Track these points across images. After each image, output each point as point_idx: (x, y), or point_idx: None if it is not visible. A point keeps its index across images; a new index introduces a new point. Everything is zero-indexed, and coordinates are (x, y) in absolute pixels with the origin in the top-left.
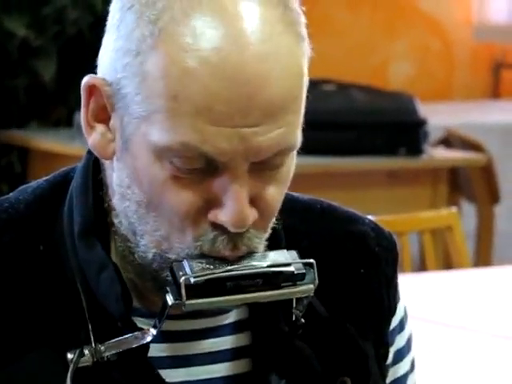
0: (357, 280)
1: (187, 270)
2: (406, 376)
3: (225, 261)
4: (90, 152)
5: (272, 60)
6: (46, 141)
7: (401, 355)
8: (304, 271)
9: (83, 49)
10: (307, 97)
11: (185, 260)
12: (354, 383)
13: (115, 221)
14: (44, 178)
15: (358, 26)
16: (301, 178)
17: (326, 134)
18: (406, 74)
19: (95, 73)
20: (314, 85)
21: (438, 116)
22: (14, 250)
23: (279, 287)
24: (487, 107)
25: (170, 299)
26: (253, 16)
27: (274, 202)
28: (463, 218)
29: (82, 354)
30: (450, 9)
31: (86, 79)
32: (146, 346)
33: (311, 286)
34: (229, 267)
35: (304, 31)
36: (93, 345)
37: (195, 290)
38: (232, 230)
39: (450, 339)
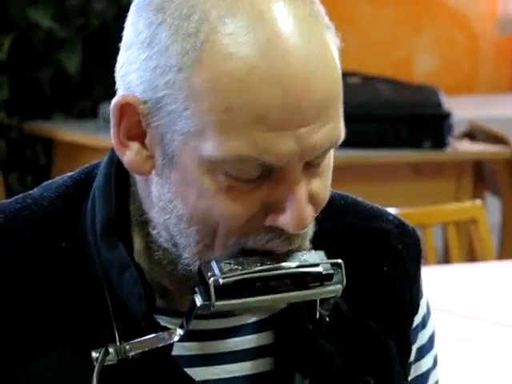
0: (380, 278)
1: (216, 270)
2: (428, 372)
3: (255, 261)
4: (113, 149)
5: (315, 57)
6: (71, 132)
7: (423, 352)
8: (332, 272)
9: (108, 41)
10: None
11: (213, 260)
12: (377, 382)
13: (153, 232)
14: (68, 175)
15: (381, 19)
16: None
17: (350, 126)
18: (431, 66)
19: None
20: None
21: (462, 109)
22: (36, 246)
23: (307, 287)
24: (511, 100)
25: (198, 300)
26: (289, 17)
27: (322, 196)
28: (488, 211)
29: (107, 353)
30: (474, 2)
31: (118, 99)
32: (170, 345)
33: (339, 286)
34: (258, 268)
35: (328, 21)
36: (118, 343)
37: (224, 291)
38: (293, 231)
39: (473, 331)
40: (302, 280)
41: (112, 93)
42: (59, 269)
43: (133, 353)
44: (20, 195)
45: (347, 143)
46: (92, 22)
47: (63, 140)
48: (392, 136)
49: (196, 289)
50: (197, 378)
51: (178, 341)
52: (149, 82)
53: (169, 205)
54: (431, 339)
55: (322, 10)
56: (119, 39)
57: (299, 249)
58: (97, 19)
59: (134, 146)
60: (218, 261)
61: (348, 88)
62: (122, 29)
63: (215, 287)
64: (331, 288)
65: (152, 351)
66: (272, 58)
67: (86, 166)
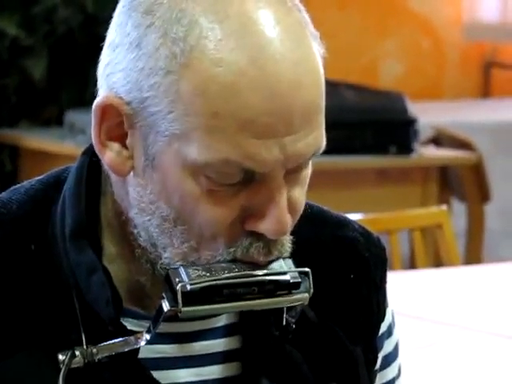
0: (346, 285)
1: (184, 276)
2: (393, 381)
3: (223, 268)
4: (84, 153)
5: (303, 65)
6: (37, 140)
7: (389, 360)
8: (299, 280)
9: (74, 48)
10: None
11: (181, 267)
12: None
13: (134, 231)
14: (37, 178)
15: (348, 25)
16: None
17: None
18: (397, 72)
19: (86, 77)
20: None
21: (428, 114)
22: (5, 249)
23: (275, 295)
24: (477, 106)
25: (165, 305)
26: (277, 24)
27: (301, 204)
28: (453, 216)
29: (73, 356)
30: (440, 7)
31: (101, 100)
32: (137, 348)
33: (306, 294)
34: (225, 275)
35: (313, 29)
36: (84, 347)
37: (191, 297)
38: (273, 237)
39: (440, 336)
40: (269, 288)
41: (77, 100)
42: (28, 271)
43: (99, 356)
44: None
45: None
46: (58, 29)
47: (29, 147)
48: (358, 142)
49: (163, 294)
50: (164, 381)
51: (145, 344)
52: (135, 83)
53: (150, 206)
54: (396, 348)
55: (307, 18)
56: (85, 46)
57: (278, 259)
58: (62, 26)
59: (115, 146)
60: (186, 267)
61: None
62: (87, 36)
63: (183, 293)
64: (298, 296)
65: (119, 354)
66: (261, 64)
67: (56, 169)
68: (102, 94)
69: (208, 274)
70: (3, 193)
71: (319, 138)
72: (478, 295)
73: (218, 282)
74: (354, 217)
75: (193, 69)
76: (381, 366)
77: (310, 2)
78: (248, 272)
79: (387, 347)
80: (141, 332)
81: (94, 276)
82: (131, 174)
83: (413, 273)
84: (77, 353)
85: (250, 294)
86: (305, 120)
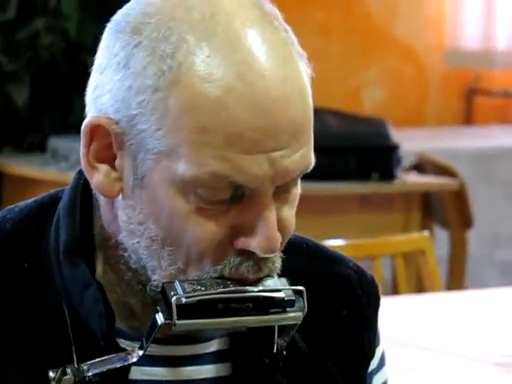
0: (338, 321)
1: (179, 290)
2: None
3: (218, 283)
4: (79, 173)
5: (290, 82)
6: (20, 166)
7: None
8: (294, 298)
9: (56, 74)
10: None
11: (176, 281)
12: None
13: (124, 254)
14: (32, 199)
15: (331, 51)
16: None
17: None
18: (379, 99)
19: (69, 103)
20: None
21: (410, 141)
22: (2, 265)
23: (268, 313)
24: (460, 133)
25: (159, 319)
26: (264, 42)
27: (291, 223)
28: (436, 242)
29: (64, 373)
30: (422, 34)
31: (89, 120)
32: (128, 368)
33: (300, 313)
34: (220, 289)
35: (301, 49)
36: (75, 364)
37: (186, 311)
38: (263, 255)
39: (422, 361)
40: (263, 305)
41: (60, 126)
42: (21, 289)
43: (90, 374)
44: None
45: None
46: (40, 56)
47: (12, 173)
48: (340, 168)
49: (158, 308)
50: None
51: (136, 364)
52: (123, 101)
53: (139, 227)
54: None
55: (294, 38)
56: (68, 72)
57: (271, 277)
58: (45, 52)
59: (103, 168)
60: (181, 281)
61: None
62: (70, 62)
63: (177, 306)
64: (292, 315)
65: (110, 373)
66: (249, 80)
67: (52, 190)
68: (91, 115)
69: (203, 289)
70: None
71: (307, 155)
72: (460, 321)
73: (213, 296)
74: (336, 242)
75: (181, 85)
76: None
77: (293, 27)
78: (243, 288)
79: (375, 383)
80: (133, 349)
81: (88, 291)
82: (120, 196)
83: (395, 298)
84: (68, 370)
85: (244, 310)
86: (292, 136)
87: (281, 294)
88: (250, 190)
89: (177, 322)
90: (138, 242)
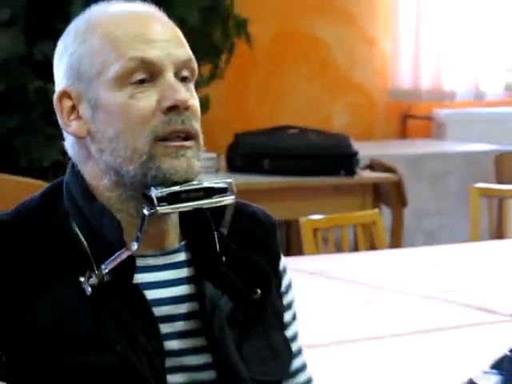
0: (257, 238)
1: (155, 191)
2: (292, 303)
3: (181, 185)
4: (70, 160)
5: (159, 16)
6: None
7: (287, 289)
8: (227, 186)
9: None
10: (278, 137)
11: (152, 188)
12: (262, 292)
13: (107, 176)
14: (39, 191)
15: (312, 90)
16: (277, 190)
17: (292, 162)
18: (344, 121)
19: None
20: (282, 129)
21: (365, 150)
22: (35, 225)
23: (212, 197)
24: (397, 144)
25: (147, 210)
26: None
27: (195, 104)
28: (383, 216)
29: (90, 276)
30: (372, 78)
31: (56, 94)
32: (132, 272)
33: (233, 196)
34: (183, 187)
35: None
36: (96, 270)
37: (162, 201)
38: (179, 100)
39: (374, 296)
40: (209, 192)
41: None
42: (51, 236)
43: (107, 270)
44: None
45: (291, 173)
46: None
47: None
48: (319, 168)
49: (143, 205)
50: (151, 297)
51: (137, 272)
52: (68, 70)
53: (104, 142)
54: (290, 284)
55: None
56: None
57: (193, 130)
58: None
59: (73, 122)
60: (155, 187)
61: (289, 136)
62: None
63: (156, 198)
64: (229, 197)
65: (120, 280)
66: (129, 14)
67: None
68: (56, 91)
69: (172, 188)
70: (23, 201)
71: (186, 52)
72: (399, 268)
73: (177, 189)
74: (317, 217)
75: (92, 35)
76: (284, 290)
77: (284, 75)
78: (196, 183)
79: (285, 280)
80: (131, 243)
81: (104, 215)
82: (88, 138)
83: (356, 254)
84: (92, 274)
85: (198, 197)
86: (170, 38)
87: (220, 185)
88: (159, 72)
89: (158, 208)
90: (109, 154)
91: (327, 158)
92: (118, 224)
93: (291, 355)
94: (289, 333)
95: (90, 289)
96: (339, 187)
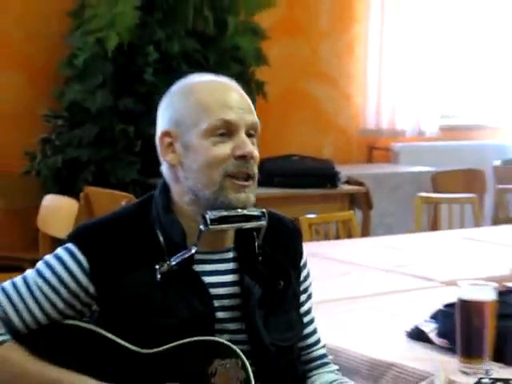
0: (284, 241)
1: (209, 213)
2: (308, 288)
3: (229, 211)
4: (162, 180)
5: (233, 83)
6: None
7: (305, 278)
8: (261, 214)
9: None
10: (285, 162)
11: (208, 211)
12: (284, 283)
13: (187, 197)
14: (136, 200)
15: (309, 130)
16: (284, 198)
17: (294, 179)
18: (330, 151)
19: None
20: (287, 157)
21: (344, 170)
22: (132, 223)
23: (251, 221)
24: (365, 167)
25: (202, 226)
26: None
27: (256, 154)
28: (356, 216)
29: (162, 265)
30: (349, 122)
31: (160, 133)
32: (191, 261)
33: (264, 222)
34: (230, 212)
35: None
36: (167, 261)
37: (215, 221)
38: (247, 152)
39: (350, 269)
40: (248, 217)
41: None
42: (141, 233)
43: (174, 263)
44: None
45: (293, 186)
46: None
47: None
48: (312, 182)
49: (200, 223)
50: (205, 281)
51: (197, 263)
52: (169, 120)
53: (189, 171)
54: (308, 275)
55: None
56: None
57: (253, 173)
58: None
59: (170, 154)
60: (211, 211)
61: (292, 162)
62: None
63: (210, 219)
64: (261, 222)
65: (182, 268)
66: (214, 84)
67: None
68: (160, 130)
69: (222, 212)
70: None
71: (255, 118)
72: (368, 250)
73: (226, 214)
74: (311, 216)
75: (191, 98)
76: (303, 279)
77: (289, 119)
78: (241, 211)
79: (304, 273)
80: (191, 246)
81: (174, 224)
82: (179, 167)
83: (338, 241)
84: (164, 264)
85: (240, 221)
86: (245, 107)
87: (256, 213)
88: (235, 128)
89: (210, 227)
90: (192, 180)
91: (318, 176)
92: (183, 231)
93: (302, 326)
94: (303, 308)
95: (159, 275)
96: (326, 196)
